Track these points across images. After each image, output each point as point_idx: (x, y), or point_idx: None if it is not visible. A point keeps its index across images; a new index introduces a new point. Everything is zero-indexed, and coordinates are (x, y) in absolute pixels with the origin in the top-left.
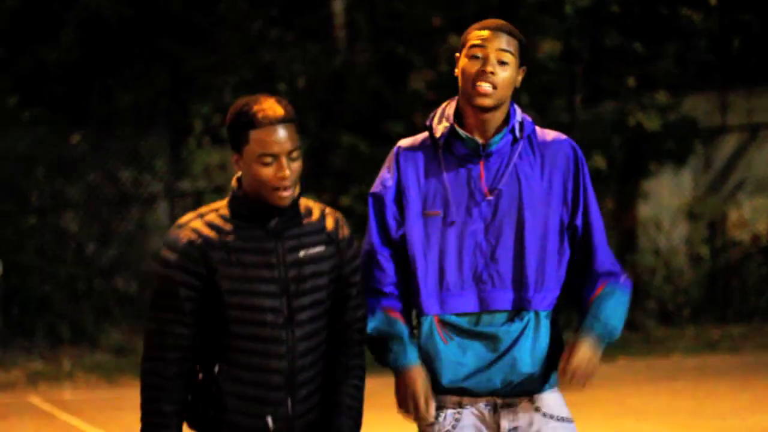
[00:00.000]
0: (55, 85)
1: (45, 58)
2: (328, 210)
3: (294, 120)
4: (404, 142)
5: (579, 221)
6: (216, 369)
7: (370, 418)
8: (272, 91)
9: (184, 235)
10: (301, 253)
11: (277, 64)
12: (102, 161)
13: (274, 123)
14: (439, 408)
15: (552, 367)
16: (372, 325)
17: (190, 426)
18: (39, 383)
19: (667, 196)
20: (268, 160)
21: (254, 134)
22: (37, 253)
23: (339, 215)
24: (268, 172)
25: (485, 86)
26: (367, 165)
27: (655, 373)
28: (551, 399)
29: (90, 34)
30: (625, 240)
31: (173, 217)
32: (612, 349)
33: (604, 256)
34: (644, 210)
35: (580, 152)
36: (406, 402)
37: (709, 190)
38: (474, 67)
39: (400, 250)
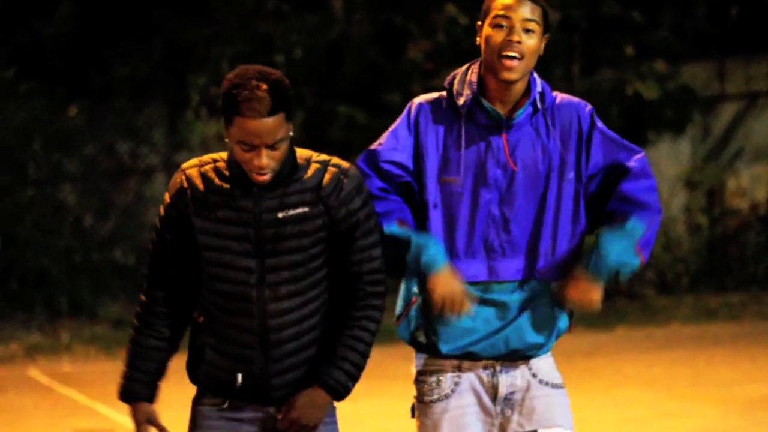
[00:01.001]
0: (52, 58)
1: (41, 30)
2: (332, 163)
3: (283, 109)
4: (424, 100)
5: (614, 170)
6: (200, 321)
7: (377, 386)
8: (269, 63)
9: (179, 181)
10: (280, 215)
11: (274, 35)
12: (99, 134)
13: (256, 117)
14: (439, 372)
15: (555, 335)
16: (388, 229)
17: (187, 373)
18: (37, 356)
19: (665, 165)
20: (247, 147)
21: (237, 121)
22: (35, 226)
23: (344, 168)
24: (246, 156)
25: (511, 57)
26: (364, 136)
27: (654, 342)
28: (546, 364)
29: (86, 6)
30: None
31: None
32: (610, 319)
33: (638, 184)
34: None
35: (592, 111)
36: (446, 300)
37: (708, 158)
38: (499, 36)
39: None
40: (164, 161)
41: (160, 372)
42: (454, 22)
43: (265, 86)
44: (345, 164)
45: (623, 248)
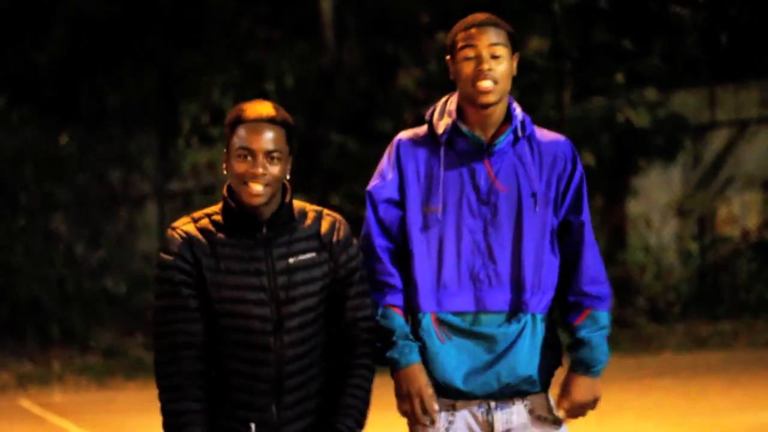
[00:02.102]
0: (44, 86)
1: (33, 58)
2: (325, 212)
3: (282, 124)
4: (404, 135)
5: (571, 223)
6: (212, 374)
7: (371, 416)
8: (260, 90)
9: (178, 236)
10: (291, 260)
11: (265, 63)
12: (91, 162)
13: (257, 120)
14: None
15: (547, 368)
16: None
17: None
18: (29, 386)
19: (656, 192)
20: (245, 153)
21: (239, 129)
22: (27, 254)
23: (338, 217)
24: (242, 166)
25: (486, 83)
26: (356, 163)
27: (646, 371)
28: (543, 401)
29: (78, 34)
30: (615, 237)
31: (162, 218)
32: None
33: (591, 264)
34: (634, 207)
35: (576, 154)
36: (408, 401)
37: (699, 186)
38: (469, 67)
39: (400, 245)
40: (156, 189)
41: None
42: (445, 49)
43: (268, 103)
44: (336, 214)
45: (604, 343)
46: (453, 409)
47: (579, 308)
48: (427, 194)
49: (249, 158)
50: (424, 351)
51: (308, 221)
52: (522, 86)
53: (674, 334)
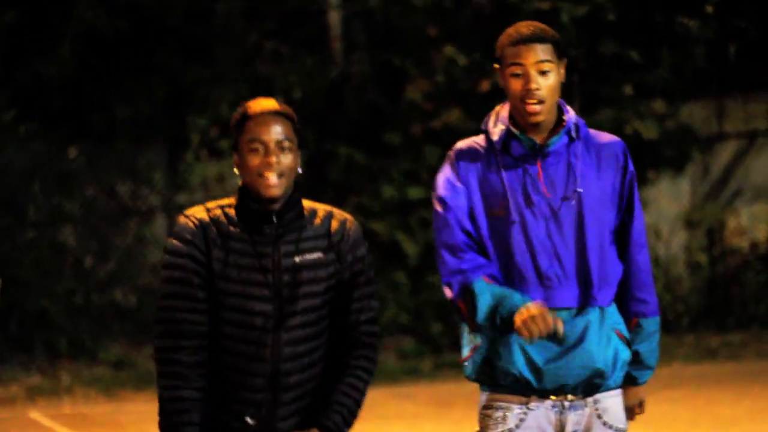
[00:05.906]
0: (53, 100)
1: (42, 72)
2: (336, 212)
3: (288, 117)
4: (460, 145)
5: (625, 221)
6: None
7: (373, 428)
8: None
9: (192, 225)
10: (297, 259)
11: (273, 77)
12: (99, 175)
13: (265, 114)
14: (505, 407)
15: (617, 362)
16: (477, 284)
17: None
18: (38, 398)
19: (665, 204)
20: (257, 146)
21: (248, 124)
22: (35, 267)
23: (348, 218)
24: (255, 158)
25: (533, 104)
26: (364, 176)
27: (655, 382)
28: (614, 405)
29: (87, 49)
30: None
31: (171, 231)
32: None
33: (643, 268)
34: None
35: (629, 153)
36: (532, 324)
37: (707, 197)
38: (517, 84)
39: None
40: (164, 202)
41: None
42: (452, 62)
43: (271, 98)
44: (346, 214)
45: (654, 350)
46: (526, 406)
47: (627, 316)
48: (490, 200)
49: (261, 150)
50: (495, 348)
51: (318, 220)
52: None
53: (683, 345)
